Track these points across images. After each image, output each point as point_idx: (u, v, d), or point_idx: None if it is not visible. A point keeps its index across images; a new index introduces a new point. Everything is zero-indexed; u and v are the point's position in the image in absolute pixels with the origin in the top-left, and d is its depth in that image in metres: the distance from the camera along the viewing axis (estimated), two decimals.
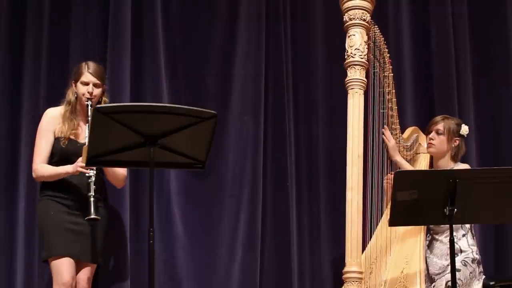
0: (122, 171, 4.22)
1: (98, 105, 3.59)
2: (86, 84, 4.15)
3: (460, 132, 4.40)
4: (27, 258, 4.66)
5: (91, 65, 4.20)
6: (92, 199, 3.94)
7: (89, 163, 3.35)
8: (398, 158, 4.46)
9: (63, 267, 4.02)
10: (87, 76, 4.16)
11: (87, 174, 3.98)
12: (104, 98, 4.24)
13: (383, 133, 4.47)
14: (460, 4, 5.42)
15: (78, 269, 4.10)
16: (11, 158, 4.75)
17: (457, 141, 4.39)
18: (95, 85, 4.16)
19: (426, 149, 4.50)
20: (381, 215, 4.41)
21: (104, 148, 3.25)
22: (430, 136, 4.39)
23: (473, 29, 5.46)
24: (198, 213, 4.91)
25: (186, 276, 4.83)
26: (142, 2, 5.00)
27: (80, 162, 3.95)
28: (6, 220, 4.72)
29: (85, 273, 4.13)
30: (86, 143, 3.79)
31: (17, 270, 4.67)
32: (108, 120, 3.15)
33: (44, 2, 4.90)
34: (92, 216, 3.92)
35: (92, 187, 3.96)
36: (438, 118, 4.44)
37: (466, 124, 4.46)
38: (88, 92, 4.13)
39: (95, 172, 3.98)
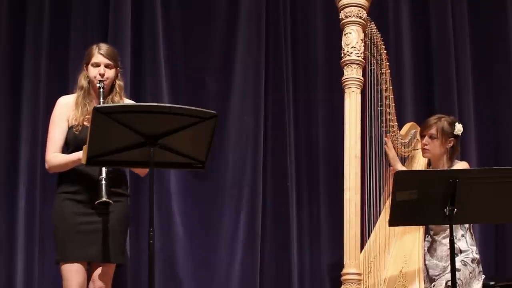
0: None
1: (98, 105, 3.57)
2: (97, 65, 3.89)
3: (454, 132, 4.33)
4: (27, 258, 4.66)
5: (102, 46, 3.95)
6: (103, 182, 3.69)
7: (89, 163, 3.33)
8: (398, 167, 4.44)
9: (72, 275, 3.82)
10: (98, 57, 3.90)
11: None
12: (118, 82, 3.98)
13: (385, 143, 4.45)
14: (460, 1, 5.42)
15: (96, 270, 3.90)
16: (11, 158, 4.75)
17: (452, 142, 4.33)
18: (107, 66, 3.90)
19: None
20: (379, 215, 4.40)
21: (104, 148, 3.24)
22: (424, 141, 4.35)
23: (473, 27, 5.47)
24: (198, 213, 4.92)
25: (186, 276, 4.84)
26: (142, 2, 5.00)
27: None
28: (6, 220, 4.71)
29: (104, 274, 3.90)
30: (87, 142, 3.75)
31: (17, 270, 4.67)
32: (108, 120, 3.15)
33: (44, 2, 4.90)
34: (103, 199, 3.67)
35: (104, 170, 3.70)
36: (431, 120, 4.36)
37: (460, 123, 4.40)
38: (100, 74, 3.87)
39: None
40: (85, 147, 3.32)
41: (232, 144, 5.00)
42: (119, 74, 4.01)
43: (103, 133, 3.20)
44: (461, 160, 4.50)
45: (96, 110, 3.17)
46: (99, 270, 3.91)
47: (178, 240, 4.85)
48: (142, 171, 4.06)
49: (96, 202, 3.72)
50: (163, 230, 4.80)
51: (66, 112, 3.94)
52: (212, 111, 3.24)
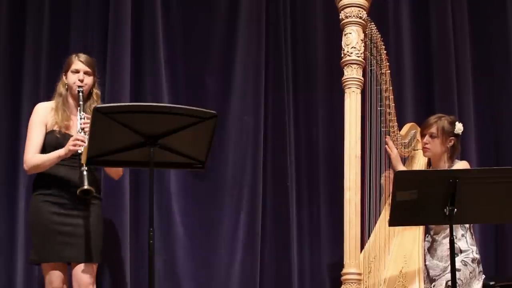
0: None
1: (98, 105, 3.57)
2: (77, 71, 4.08)
3: (455, 131, 4.35)
4: (27, 258, 4.64)
5: (82, 55, 4.15)
6: (84, 172, 3.78)
7: (89, 163, 3.34)
8: (400, 167, 4.44)
9: (53, 274, 3.99)
10: (78, 64, 4.10)
11: (79, 151, 3.85)
12: (95, 90, 4.16)
13: (386, 143, 4.45)
14: (460, 1, 5.42)
15: (77, 270, 3.99)
16: (11, 158, 4.75)
17: (453, 141, 4.34)
18: (86, 73, 4.09)
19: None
20: (379, 215, 4.40)
21: (104, 148, 3.25)
22: (425, 140, 4.36)
23: (473, 27, 5.46)
24: (198, 213, 4.92)
25: (186, 276, 4.83)
26: (142, 2, 5.00)
27: (71, 144, 3.87)
28: (6, 220, 4.72)
29: (86, 274, 3.98)
30: (85, 143, 3.78)
31: (17, 270, 4.67)
32: (108, 120, 3.15)
33: (44, 2, 4.90)
34: (85, 187, 3.77)
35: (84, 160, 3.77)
36: (432, 119, 4.37)
37: (460, 122, 4.40)
38: (79, 80, 4.06)
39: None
40: (85, 147, 3.33)
41: (232, 144, 5.00)
42: (96, 83, 4.18)
43: (103, 133, 3.21)
44: (461, 159, 4.51)
45: (96, 110, 3.18)
46: (81, 271, 4.00)
47: (178, 240, 4.85)
48: (116, 174, 4.20)
49: (78, 190, 3.81)
50: (163, 230, 4.80)
51: (44, 117, 4.10)
52: (212, 111, 3.24)
